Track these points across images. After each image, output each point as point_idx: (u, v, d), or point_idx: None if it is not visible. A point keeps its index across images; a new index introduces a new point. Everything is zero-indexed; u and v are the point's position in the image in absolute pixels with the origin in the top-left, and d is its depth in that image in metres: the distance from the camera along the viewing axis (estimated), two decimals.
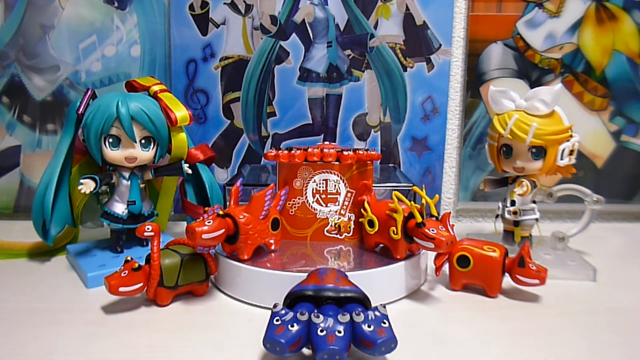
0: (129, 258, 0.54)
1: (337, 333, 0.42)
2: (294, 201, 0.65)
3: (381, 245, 0.62)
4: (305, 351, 0.45)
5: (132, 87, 0.72)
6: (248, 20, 0.88)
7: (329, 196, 0.65)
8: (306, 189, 0.65)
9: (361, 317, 0.43)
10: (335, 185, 0.65)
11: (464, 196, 0.94)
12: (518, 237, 0.70)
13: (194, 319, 0.53)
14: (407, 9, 0.88)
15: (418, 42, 0.89)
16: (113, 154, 0.63)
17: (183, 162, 0.69)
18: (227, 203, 0.64)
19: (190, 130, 0.78)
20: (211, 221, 0.53)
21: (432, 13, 0.88)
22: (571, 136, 0.65)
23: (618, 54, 0.89)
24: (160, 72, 0.89)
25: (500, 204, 0.71)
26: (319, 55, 0.89)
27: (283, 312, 0.44)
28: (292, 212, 0.65)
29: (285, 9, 0.87)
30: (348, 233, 0.66)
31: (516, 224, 0.70)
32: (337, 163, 0.64)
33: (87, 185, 0.61)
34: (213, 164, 0.81)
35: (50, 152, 0.80)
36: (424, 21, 0.88)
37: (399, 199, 0.58)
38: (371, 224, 0.61)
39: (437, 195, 0.59)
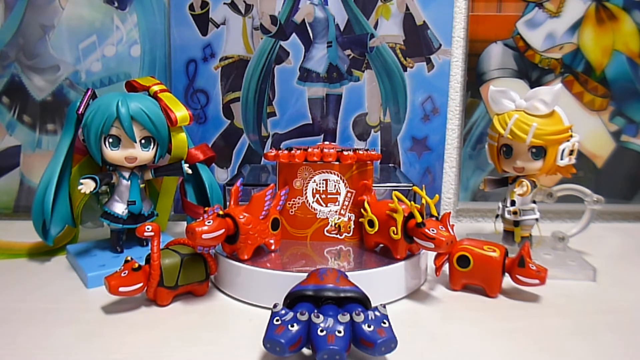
0: (129, 258, 0.54)
1: (337, 333, 0.42)
2: (294, 201, 0.65)
3: (381, 245, 0.62)
4: (305, 351, 0.45)
5: (132, 87, 0.72)
6: (248, 20, 0.88)
7: (329, 196, 0.65)
8: (306, 189, 0.65)
9: (361, 317, 0.43)
10: (335, 185, 0.65)
11: (464, 196, 0.94)
12: (518, 237, 0.70)
13: (194, 319, 0.53)
14: (407, 9, 0.88)
15: (418, 42, 0.89)
16: (113, 154, 0.63)
17: (183, 162, 0.69)
18: (227, 203, 0.64)
19: (190, 130, 0.78)
20: (211, 221, 0.53)
21: (432, 13, 0.88)
22: (571, 136, 0.65)
23: (618, 54, 0.89)
24: (160, 72, 0.89)
25: (500, 204, 0.71)
26: (319, 55, 0.89)
27: (283, 312, 0.44)
28: (292, 212, 0.65)
29: (285, 9, 0.88)
30: (348, 233, 0.66)
31: (516, 224, 0.70)
32: (337, 163, 0.64)
33: (87, 185, 0.62)
34: (213, 164, 0.81)
35: (50, 152, 0.80)
36: (424, 21, 0.89)
37: (399, 199, 0.58)
38: (371, 224, 0.61)
39: (437, 195, 0.59)
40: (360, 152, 0.65)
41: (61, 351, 0.46)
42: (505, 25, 0.89)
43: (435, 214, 0.59)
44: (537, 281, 0.57)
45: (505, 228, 0.72)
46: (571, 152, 0.66)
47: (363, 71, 0.90)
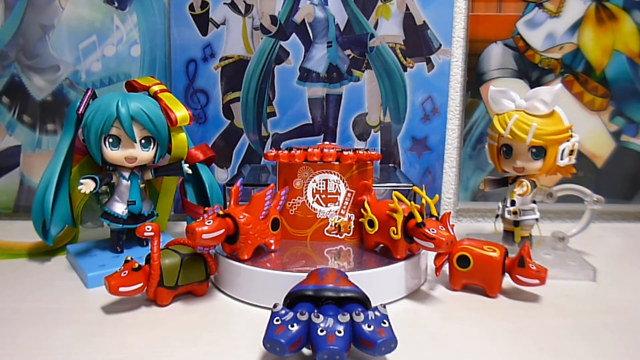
0: (129, 258, 0.54)
1: (337, 333, 0.42)
2: (294, 201, 0.65)
3: (381, 245, 0.62)
4: (305, 351, 0.45)
5: (132, 87, 0.72)
6: (248, 20, 0.88)
7: (329, 196, 0.65)
8: (306, 189, 0.65)
9: (361, 317, 0.43)
10: (335, 185, 0.65)
11: (464, 196, 0.94)
12: (518, 237, 0.70)
13: (194, 319, 0.53)
14: (407, 9, 0.88)
15: (418, 42, 0.89)
16: (113, 154, 0.63)
17: (183, 162, 0.69)
18: (227, 203, 0.64)
19: (190, 130, 0.78)
20: (211, 221, 0.53)
21: (432, 13, 0.88)
22: (571, 136, 0.65)
23: (618, 54, 0.89)
24: (160, 72, 0.89)
25: (500, 204, 0.71)
26: (319, 55, 0.89)
27: (283, 312, 0.44)
28: (292, 212, 0.65)
29: (285, 9, 0.88)
30: (348, 233, 0.66)
31: (516, 224, 0.70)
32: (337, 163, 0.64)
33: (87, 185, 0.62)
34: (213, 164, 0.81)
35: (50, 152, 0.80)
36: (424, 21, 0.89)
37: (399, 199, 0.58)
38: (371, 224, 0.61)
39: (437, 195, 0.59)
40: (360, 152, 0.65)
41: (61, 351, 0.46)
42: (505, 25, 0.89)
43: (435, 214, 0.59)
44: (537, 281, 0.57)
45: (505, 228, 0.72)
46: (571, 152, 0.66)
47: (363, 71, 0.90)
